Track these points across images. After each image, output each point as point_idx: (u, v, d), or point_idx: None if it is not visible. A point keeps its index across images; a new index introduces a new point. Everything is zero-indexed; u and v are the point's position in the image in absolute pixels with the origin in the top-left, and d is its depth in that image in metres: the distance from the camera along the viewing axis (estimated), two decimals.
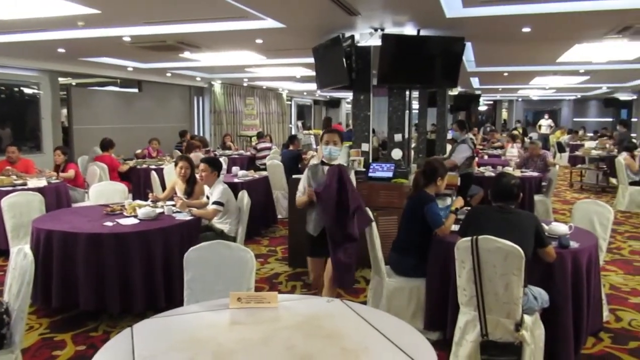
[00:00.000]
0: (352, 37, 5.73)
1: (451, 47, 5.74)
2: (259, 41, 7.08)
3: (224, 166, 8.25)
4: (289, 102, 19.77)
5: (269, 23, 5.81)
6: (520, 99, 24.36)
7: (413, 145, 10.58)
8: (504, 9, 5.07)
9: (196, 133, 13.65)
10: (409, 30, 5.90)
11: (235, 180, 6.68)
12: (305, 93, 19.52)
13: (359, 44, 5.89)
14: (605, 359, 3.41)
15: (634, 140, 12.07)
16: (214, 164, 4.81)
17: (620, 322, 3.99)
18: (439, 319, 3.54)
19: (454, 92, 15.44)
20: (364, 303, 4.08)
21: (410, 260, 3.73)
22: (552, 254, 3.14)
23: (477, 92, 17.59)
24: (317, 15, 5.41)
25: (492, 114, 26.12)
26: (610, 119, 21.70)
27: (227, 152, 11.22)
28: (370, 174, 5.48)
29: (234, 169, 7.36)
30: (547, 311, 3.20)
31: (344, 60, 5.60)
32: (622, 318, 4.07)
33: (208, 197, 4.82)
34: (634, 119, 19.47)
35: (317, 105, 23.09)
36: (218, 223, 4.73)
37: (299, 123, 19.74)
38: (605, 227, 3.94)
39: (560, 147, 16.06)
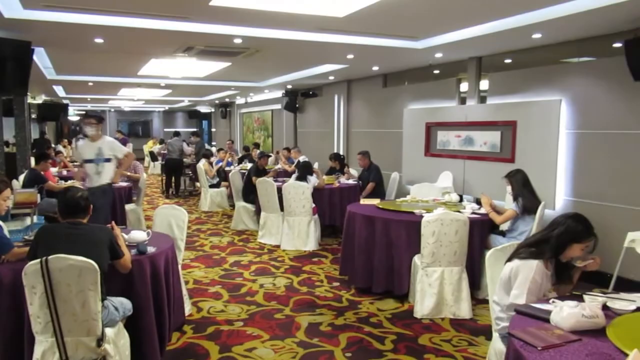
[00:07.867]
0: None
1: (17, 51, 5.20)
2: None
3: None
4: None
5: None
6: (113, 110, 24.35)
7: None
8: (70, 17, 4.87)
9: None
10: None
11: None
12: None
13: None
14: (188, 349, 3.72)
15: (212, 148, 13.74)
16: None
17: (201, 312, 4.44)
18: (13, 356, 3.14)
19: (38, 100, 14.20)
20: None
21: None
22: (127, 265, 3.19)
23: (65, 102, 16.63)
24: None
25: None
26: (196, 129, 24.14)
27: None
28: None
29: None
30: (131, 318, 3.26)
31: None
32: (202, 308, 4.53)
33: None
34: (213, 129, 22.28)
35: None
36: None
37: None
38: (182, 229, 4.29)
39: (153, 157, 16.90)
